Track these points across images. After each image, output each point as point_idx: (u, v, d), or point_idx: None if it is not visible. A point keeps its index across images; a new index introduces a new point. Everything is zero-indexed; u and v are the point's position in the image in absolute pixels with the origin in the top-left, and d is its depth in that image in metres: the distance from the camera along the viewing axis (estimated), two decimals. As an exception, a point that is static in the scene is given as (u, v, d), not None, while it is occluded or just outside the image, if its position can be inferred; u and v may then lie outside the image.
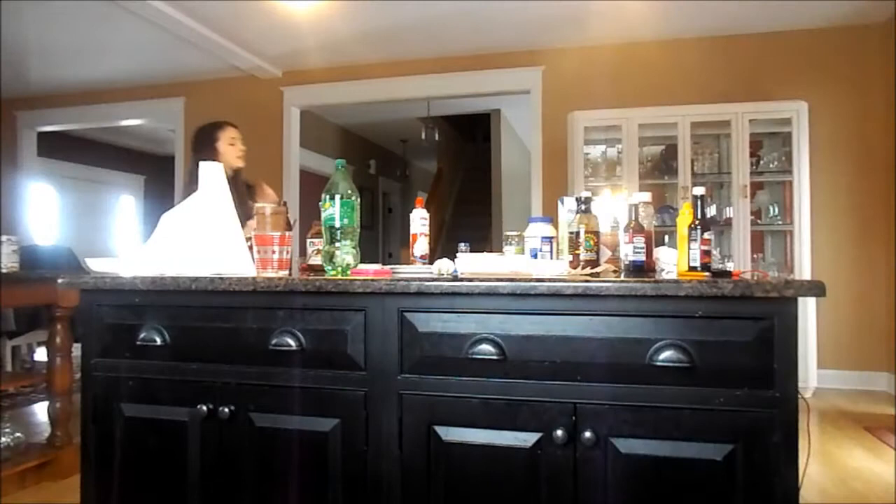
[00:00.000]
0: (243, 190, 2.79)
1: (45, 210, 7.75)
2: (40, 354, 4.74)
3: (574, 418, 1.25)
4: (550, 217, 1.81)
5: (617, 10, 4.21)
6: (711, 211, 4.31)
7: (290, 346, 1.40)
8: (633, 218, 1.54)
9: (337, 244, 1.57)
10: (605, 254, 1.68)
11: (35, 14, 4.30)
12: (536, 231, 1.74)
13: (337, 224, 1.56)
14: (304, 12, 4.26)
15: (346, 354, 1.38)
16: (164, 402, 1.50)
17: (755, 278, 1.39)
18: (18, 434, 2.67)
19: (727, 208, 4.32)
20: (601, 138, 4.66)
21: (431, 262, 1.66)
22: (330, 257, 1.57)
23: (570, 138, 4.56)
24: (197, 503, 1.47)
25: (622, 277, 1.43)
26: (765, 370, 1.18)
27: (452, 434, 1.32)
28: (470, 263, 1.54)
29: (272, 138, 5.57)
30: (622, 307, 1.24)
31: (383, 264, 1.70)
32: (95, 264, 1.61)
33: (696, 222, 1.51)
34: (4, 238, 2.63)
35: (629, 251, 1.52)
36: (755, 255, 4.36)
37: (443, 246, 8.48)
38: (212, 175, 1.64)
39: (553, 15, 4.31)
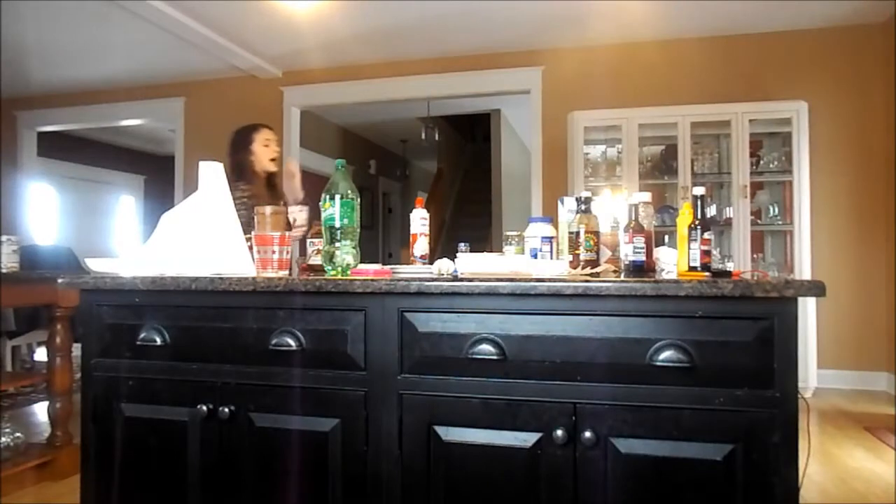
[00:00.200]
0: (279, 189, 2.80)
1: (45, 210, 7.75)
2: (40, 354, 4.74)
3: (574, 418, 1.25)
4: (550, 217, 1.81)
5: (617, 10, 4.21)
6: (711, 211, 4.31)
7: (290, 346, 1.40)
8: (633, 218, 1.54)
9: (337, 244, 1.57)
10: (605, 254, 1.68)
11: (35, 14, 4.30)
12: (536, 231, 1.74)
13: (337, 224, 1.56)
14: (304, 12, 4.26)
15: (346, 354, 1.38)
16: (164, 402, 1.50)
17: (755, 278, 1.39)
18: (18, 434, 2.66)
19: (727, 208, 4.32)
20: (601, 138, 4.66)
21: (431, 262, 1.66)
22: (330, 257, 1.57)
23: (570, 138, 4.56)
24: (197, 503, 1.47)
25: (622, 277, 1.43)
26: (765, 370, 1.18)
27: (452, 434, 1.32)
28: (470, 263, 1.54)
29: (272, 138, 5.56)
30: (622, 307, 1.24)
31: (383, 264, 1.70)
32: (95, 264, 1.61)
33: (696, 222, 1.51)
34: (4, 238, 2.63)
35: (629, 251, 1.52)
36: (755, 255, 4.36)
37: (443, 246, 8.48)
38: (212, 175, 1.64)
39: (553, 15, 4.31)
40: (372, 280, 1.36)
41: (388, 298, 1.36)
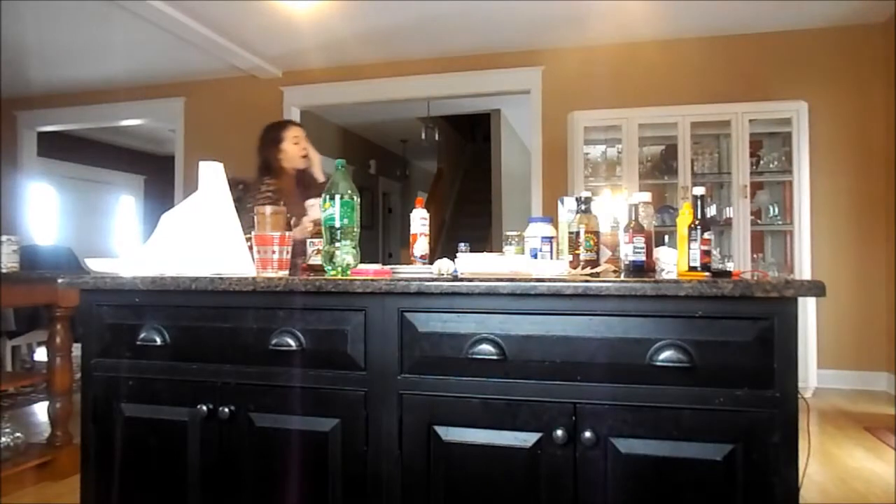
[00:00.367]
0: (312, 184, 2.79)
1: (45, 210, 7.75)
2: (40, 354, 4.74)
3: (574, 418, 1.25)
4: (550, 217, 1.81)
5: (617, 10, 4.21)
6: (711, 211, 4.31)
7: (290, 346, 1.40)
8: (633, 218, 1.54)
9: (337, 244, 1.56)
10: (605, 254, 1.68)
11: (35, 14, 4.30)
12: (536, 231, 1.74)
13: (337, 224, 1.56)
14: (304, 12, 4.26)
15: (346, 354, 1.38)
16: (164, 402, 1.50)
17: (755, 278, 1.39)
18: (18, 434, 2.66)
19: (727, 208, 4.32)
20: (601, 138, 4.66)
21: (431, 262, 1.66)
22: (330, 257, 1.57)
23: (570, 138, 4.56)
24: (197, 503, 1.47)
25: (622, 277, 1.43)
26: (765, 370, 1.18)
27: (452, 434, 1.32)
28: (470, 263, 1.54)
29: (272, 138, 5.56)
30: (622, 307, 1.24)
31: (383, 264, 1.70)
32: (95, 264, 1.61)
33: (696, 222, 1.51)
34: (4, 238, 2.63)
35: (629, 251, 1.52)
36: (755, 255, 4.36)
37: (443, 246, 8.48)
38: (212, 175, 1.64)
39: (553, 15, 4.31)
40: (372, 280, 1.36)
41: (388, 298, 1.36)
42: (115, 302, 1.54)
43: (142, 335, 1.51)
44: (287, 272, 1.58)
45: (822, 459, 2.89)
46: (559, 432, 1.24)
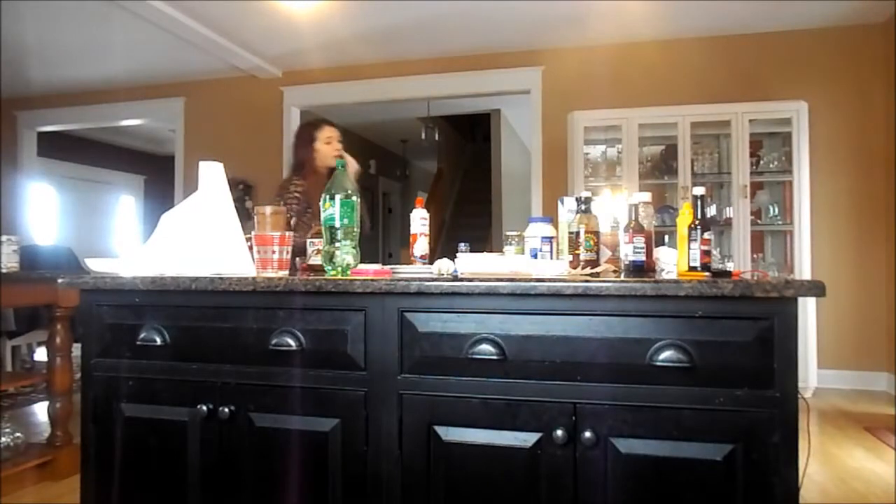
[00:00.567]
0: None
1: (45, 210, 7.75)
2: (40, 354, 4.74)
3: (574, 418, 1.25)
4: (550, 217, 1.81)
5: (617, 10, 4.21)
6: (711, 211, 4.31)
7: (290, 346, 1.40)
8: (633, 218, 1.54)
9: (337, 244, 1.56)
10: (605, 254, 1.68)
11: (35, 14, 4.30)
12: (536, 231, 1.74)
13: (337, 224, 1.56)
14: (304, 12, 4.26)
15: (346, 354, 1.38)
16: (164, 402, 1.50)
17: (755, 278, 1.39)
18: (18, 434, 2.66)
19: (727, 208, 4.32)
20: (601, 138, 4.66)
21: (431, 262, 1.66)
22: (330, 257, 1.57)
23: (570, 138, 4.56)
24: (197, 503, 1.47)
25: (622, 277, 1.42)
26: (765, 370, 1.18)
27: (452, 434, 1.32)
28: (470, 263, 1.54)
29: (272, 138, 5.56)
30: (622, 307, 1.24)
31: (383, 264, 1.70)
32: (95, 264, 1.61)
33: (696, 222, 1.51)
34: (4, 238, 2.63)
35: (629, 251, 1.52)
36: (755, 255, 4.36)
37: (443, 246, 8.48)
38: (212, 175, 1.64)
39: (553, 15, 4.31)
40: (372, 280, 1.36)
41: (388, 298, 1.36)
42: (115, 302, 1.54)
43: (142, 335, 1.51)
44: (287, 272, 1.58)
45: (822, 459, 2.89)
46: (559, 432, 1.24)
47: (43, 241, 7.09)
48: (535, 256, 1.72)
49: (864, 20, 4.34)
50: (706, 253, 1.50)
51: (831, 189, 4.40)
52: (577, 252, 1.62)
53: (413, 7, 4.20)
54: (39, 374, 3.14)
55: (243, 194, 5.44)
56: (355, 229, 1.60)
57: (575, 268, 1.58)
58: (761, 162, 4.38)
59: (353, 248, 1.59)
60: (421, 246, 1.91)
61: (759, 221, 4.38)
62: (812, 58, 4.48)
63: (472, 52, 5.08)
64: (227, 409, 1.43)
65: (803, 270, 4.09)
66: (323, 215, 1.58)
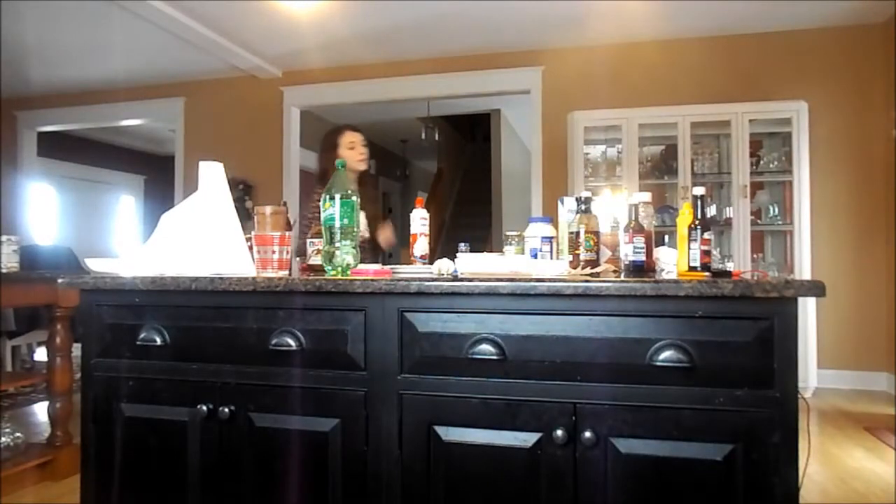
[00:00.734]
0: (374, 193, 2.77)
1: (45, 210, 7.75)
2: (40, 354, 4.75)
3: (574, 418, 1.25)
4: (550, 217, 1.81)
5: (617, 10, 4.21)
6: (711, 211, 4.31)
7: (290, 345, 1.40)
8: (633, 218, 1.54)
9: (337, 244, 1.56)
10: (605, 254, 1.68)
11: (35, 14, 4.30)
12: (536, 231, 1.74)
13: (337, 224, 1.56)
14: (304, 12, 4.26)
15: (346, 354, 1.38)
16: (164, 402, 1.50)
17: (755, 278, 1.39)
18: (18, 434, 2.67)
19: (727, 208, 4.32)
20: (601, 138, 4.66)
21: (431, 262, 1.66)
22: (330, 257, 1.57)
23: (570, 138, 4.56)
24: (197, 503, 1.47)
25: (622, 277, 1.43)
26: (765, 370, 1.18)
27: (452, 434, 1.32)
28: (470, 263, 1.54)
29: (272, 138, 5.56)
30: (622, 307, 1.24)
31: (383, 264, 1.70)
32: (95, 264, 1.61)
33: (696, 222, 1.51)
34: (4, 238, 2.63)
35: (629, 251, 1.52)
36: (755, 255, 4.36)
37: (443, 246, 8.48)
38: (212, 175, 1.64)
39: (553, 15, 4.31)
40: (372, 280, 1.36)
41: (388, 298, 1.36)
42: (115, 302, 1.54)
43: (142, 335, 1.51)
44: (287, 272, 1.58)
45: (822, 459, 2.89)
46: (559, 432, 1.24)
47: (43, 241, 7.09)
48: (535, 256, 1.72)
49: (864, 20, 4.34)
50: (706, 253, 1.50)
51: (831, 189, 4.40)
52: (577, 252, 1.62)
53: (413, 7, 4.20)
54: (39, 374, 3.15)
55: (243, 194, 5.45)
56: (355, 229, 1.60)
57: (575, 268, 1.58)
58: (761, 162, 4.38)
59: (353, 248, 1.59)
60: (421, 246, 1.91)
61: (759, 221, 4.38)
62: (812, 58, 4.48)
63: (472, 52, 5.08)
64: (227, 409, 1.43)
65: (803, 270, 4.09)
66: (323, 215, 1.58)
